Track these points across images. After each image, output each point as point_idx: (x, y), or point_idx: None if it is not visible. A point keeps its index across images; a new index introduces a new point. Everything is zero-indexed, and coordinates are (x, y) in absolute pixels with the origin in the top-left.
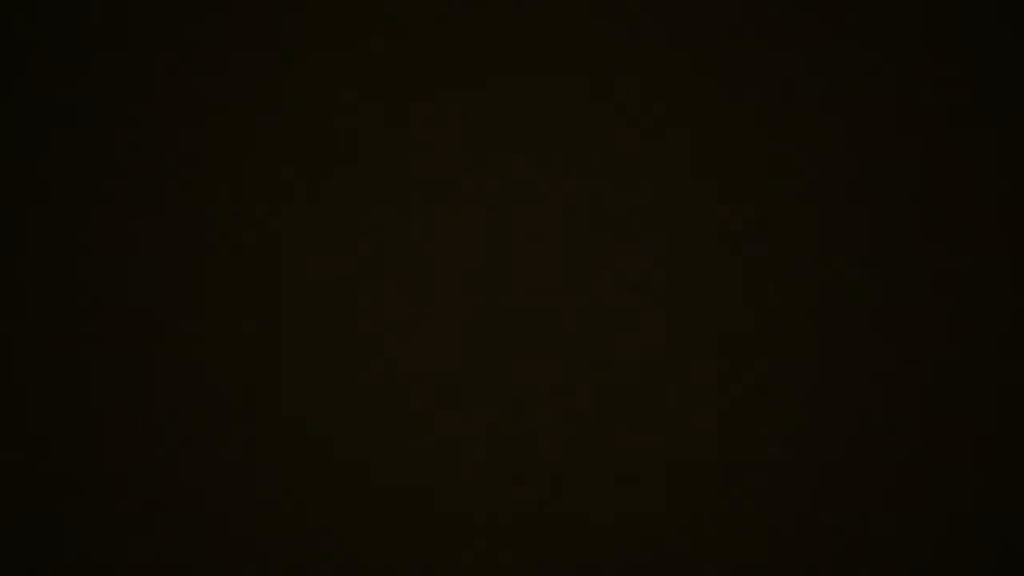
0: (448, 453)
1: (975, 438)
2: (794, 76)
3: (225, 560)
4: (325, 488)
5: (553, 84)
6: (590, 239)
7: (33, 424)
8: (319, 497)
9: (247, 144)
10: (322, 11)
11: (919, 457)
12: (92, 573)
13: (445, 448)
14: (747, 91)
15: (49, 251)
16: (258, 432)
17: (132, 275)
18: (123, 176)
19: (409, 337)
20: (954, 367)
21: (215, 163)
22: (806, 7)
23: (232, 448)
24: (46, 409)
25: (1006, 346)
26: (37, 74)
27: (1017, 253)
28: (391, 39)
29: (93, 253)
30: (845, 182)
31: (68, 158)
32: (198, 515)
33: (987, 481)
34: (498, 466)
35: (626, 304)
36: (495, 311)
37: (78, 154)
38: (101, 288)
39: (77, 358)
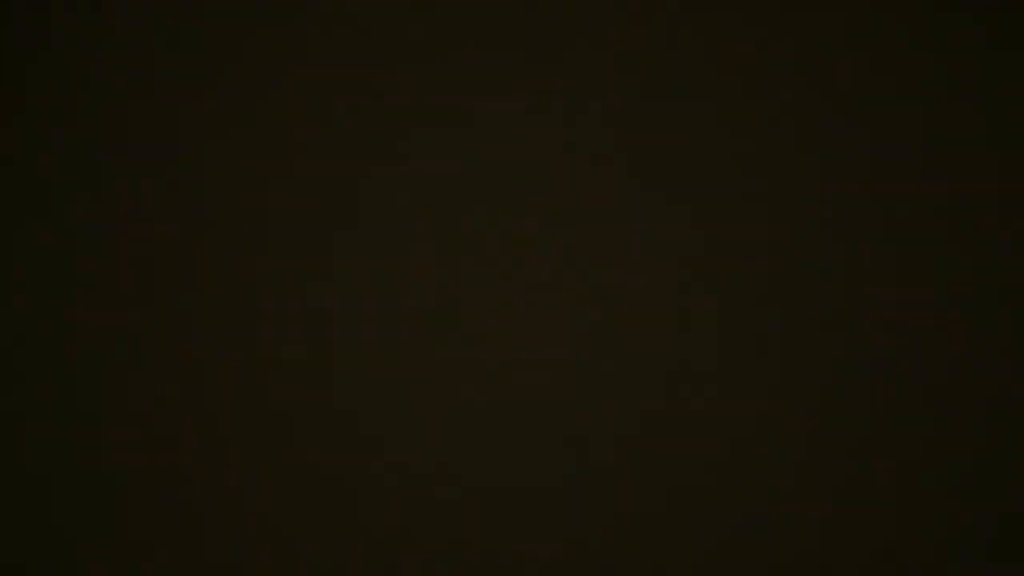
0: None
1: (975, 437)
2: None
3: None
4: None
5: (552, 91)
6: (601, 240)
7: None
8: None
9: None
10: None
11: (921, 461)
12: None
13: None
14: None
15: (50, 251)
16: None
17: (144, 276)
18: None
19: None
20: (957, 366)
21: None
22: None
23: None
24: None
25: (1007, 345)
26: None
27: (1018, 252)
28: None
29: (97, 251)
30: (850, 180)
31: (69, 158)
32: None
33: (987, 481)
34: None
35: (639, 308)
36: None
37: (79, 155)
38: (118, 288)
39: (93, 356)
